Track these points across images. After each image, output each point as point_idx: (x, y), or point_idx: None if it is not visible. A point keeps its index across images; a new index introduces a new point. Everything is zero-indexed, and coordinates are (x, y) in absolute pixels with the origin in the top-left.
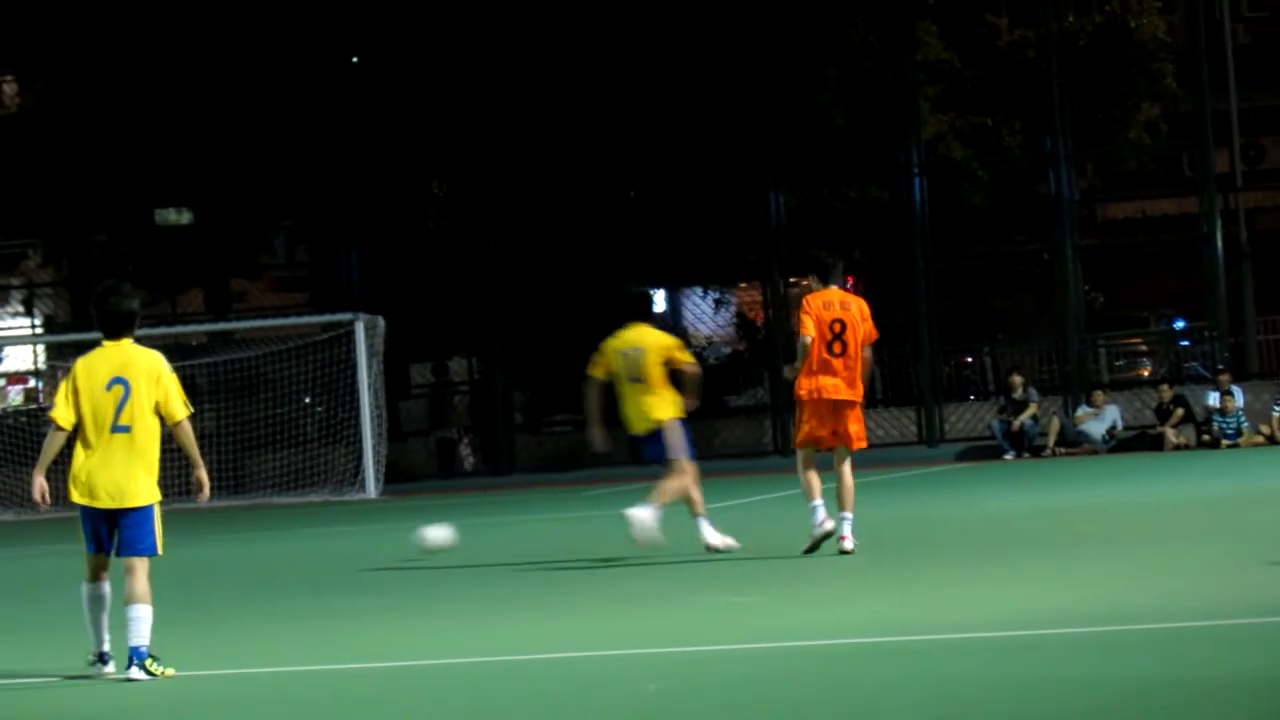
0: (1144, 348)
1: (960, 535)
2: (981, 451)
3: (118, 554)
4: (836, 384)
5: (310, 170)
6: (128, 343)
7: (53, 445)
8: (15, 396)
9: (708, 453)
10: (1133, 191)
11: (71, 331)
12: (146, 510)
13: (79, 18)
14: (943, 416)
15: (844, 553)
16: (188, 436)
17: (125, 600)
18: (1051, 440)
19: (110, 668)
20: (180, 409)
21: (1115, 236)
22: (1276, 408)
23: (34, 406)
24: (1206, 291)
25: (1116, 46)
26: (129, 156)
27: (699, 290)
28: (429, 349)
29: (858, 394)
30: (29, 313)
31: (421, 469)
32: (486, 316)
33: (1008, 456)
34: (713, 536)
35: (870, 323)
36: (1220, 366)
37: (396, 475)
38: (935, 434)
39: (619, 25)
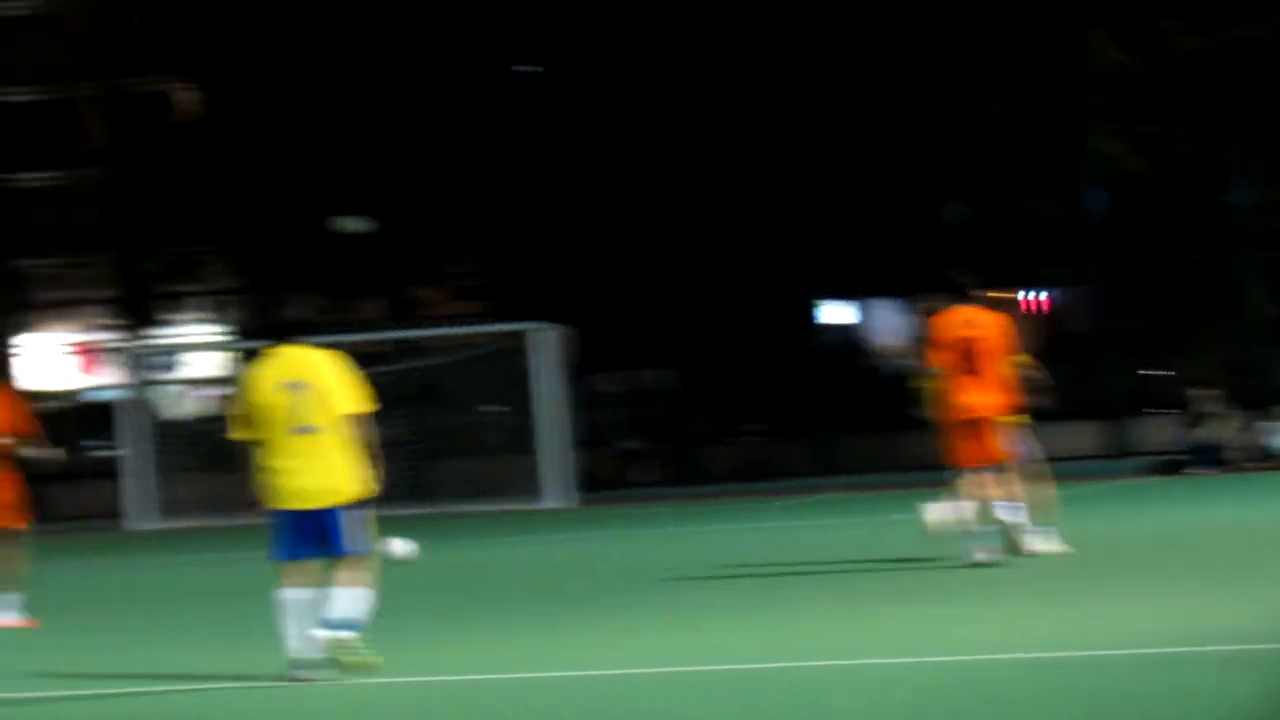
0: None
1: (1147, 549)
2: (1167, 465)
3: (329, 555)
4: (980, 401)
5: (492, 180)
6: (301, 346)
7: (250, 454)
8: (199, 402)
9: (892, 464)
10: None
11: (252, 338)
12: (342, 516)
13: (259, 26)
14: (1128, 429)
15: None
16: (364, 433)
17: (334, 584)
18: (1238, 454)
19: (312, 673)
20: (360, 402)
21: None
22: None
23: (217, 413)
24: None
25: None
26: (311, 165)
27: (881, 300)
28: (616, 358)
29: (998, 408)
30: (213, 319)
31: (609, 478)
32: (676, 327)
33: (1194, 470)
34: (1039, 543)
35: (1008, 337)
36: None
37: (582, 484)
38: (1121, 447)
39: (810, 41)
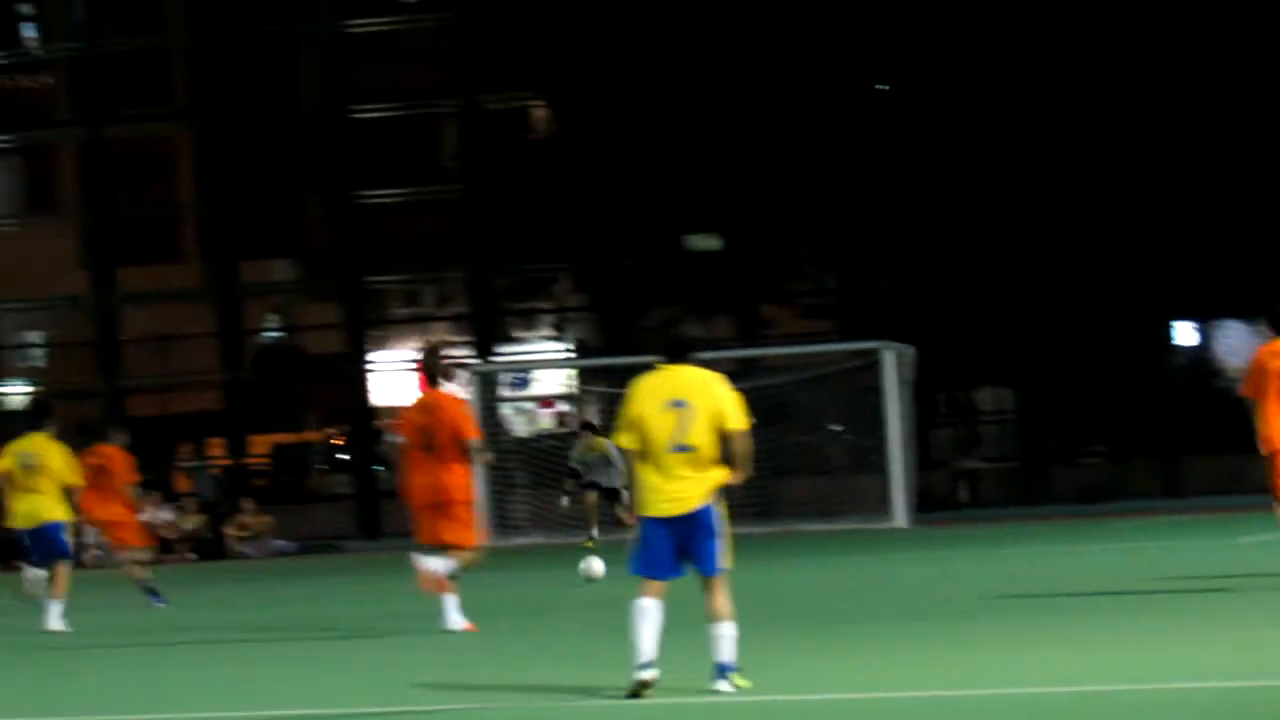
0: None
1: None
2: None
3: (696, 571)
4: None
5: (840, 196)
6: (688, 366)
7: (630, 468)
8: (545, 420)
9: (1241, 486)
10: None
11: (601, 355)
12: (709, 525)
13: (614, 44)
14: None
15: None
16: (738, 447)
17: (708, 618)
18: None
19: (651, 673)
20: (740, 419)
21: None
22: None
23: (563, 430)
24: None
25: None
26: (659, 181)
27: (1232, 320)
28: (958, 377)
29: None
30: (559, 336)
31: (947, 498)
32: (1019, 347)
33: None
34: None
35: None
36: None
37: (921, 504)
38: None
39: (1168, 51)
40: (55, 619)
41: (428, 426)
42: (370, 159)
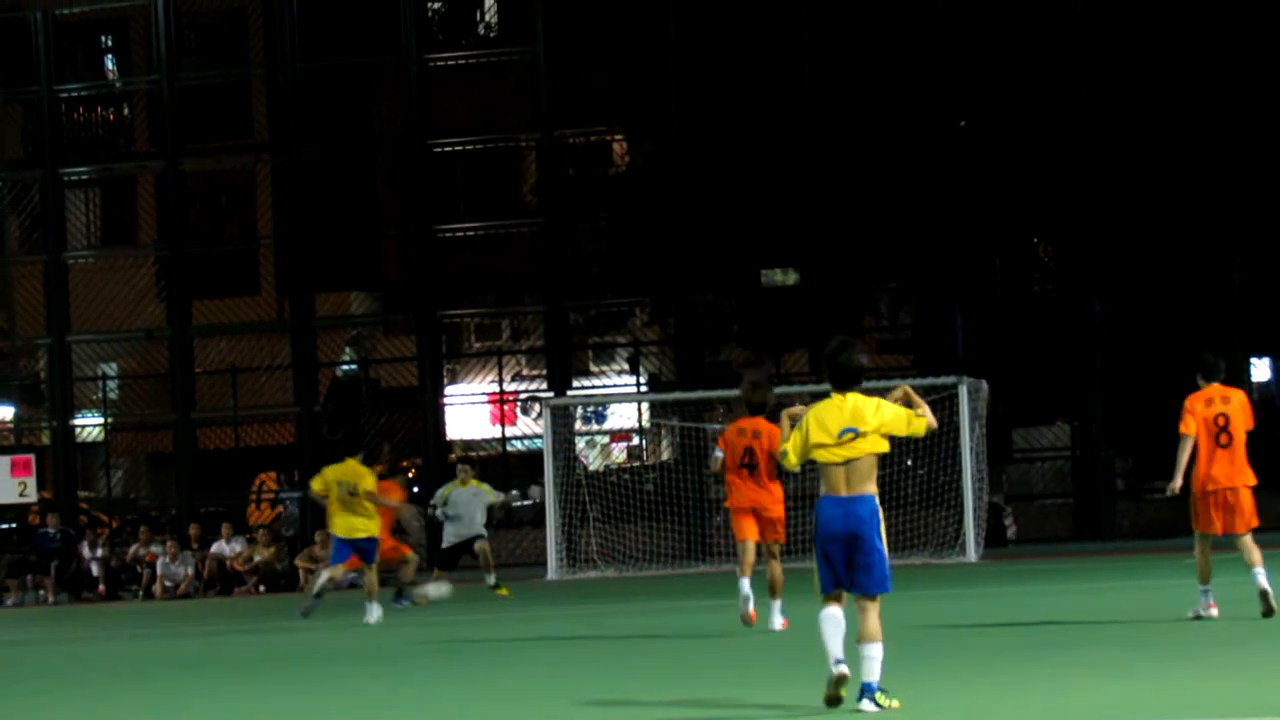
0: None
1: None
2: None
3: (850, 590)
4: (1227, 473)
5: (916, 232)
6: (855, 393)
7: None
8: (619, 454)
9: None
10: None
11: (676, 390)
12: (879, 549)
13: (691, 77)
14: None
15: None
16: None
17: (858, 639)
18: None
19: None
20: (914, 424)
21: None
22: None
23: (637, 464)
24: None
25: None
26: (736, 216)
27: None
28: (1031, 413)
29: (1247, 479)
30: (634, 370)
31: (1019, 532)
32: (1090, 381)
33: None
34: None
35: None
36: None
37: (991, 539)
38: None
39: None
40: (374, 613)
41: (750, 448)
42: (448, 192)
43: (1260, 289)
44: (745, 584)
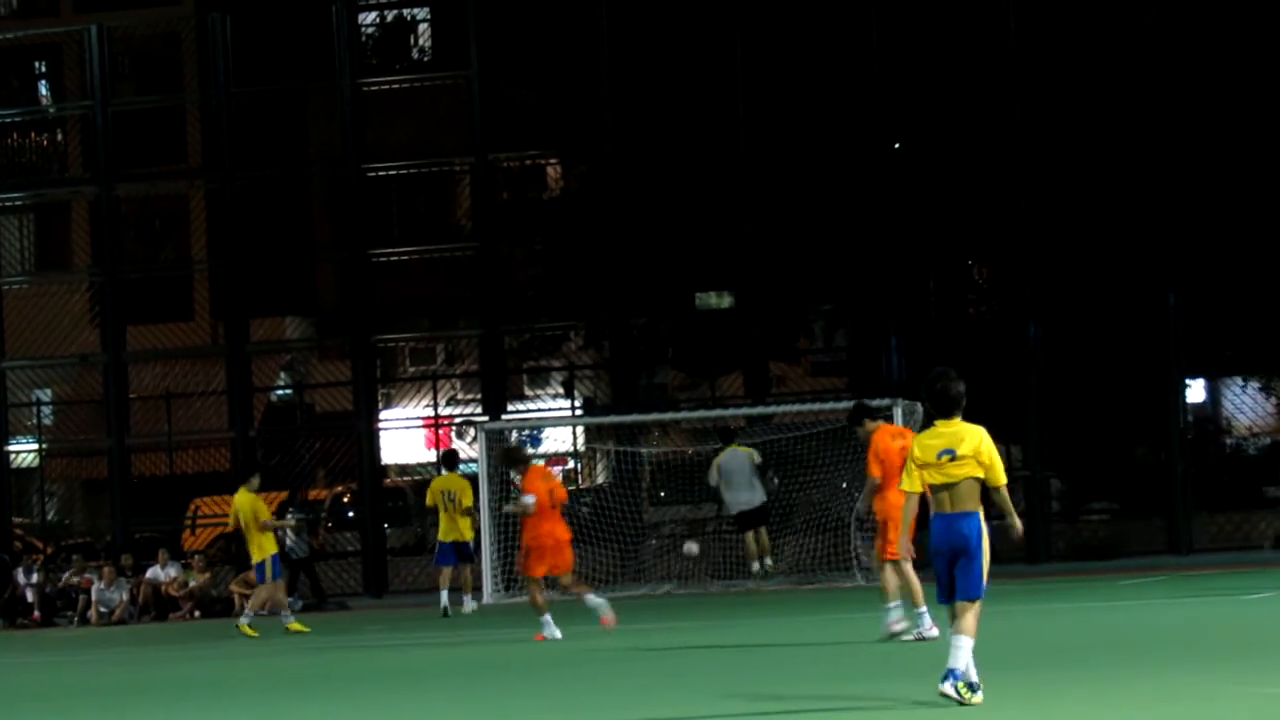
0: None
1: None
2: None
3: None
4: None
5: (851, 254)
6: (958, 420)
7: (908, 509)
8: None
9: (1244, 543)
10: None
11: (611, 413)
12: (976, 560)
13: (624, 101)
14: None
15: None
16: (1004, 499)
17: (954, 630)
18: None
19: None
20: (1001, 476)
21: None
22: None
23: (572, 488)
24: None
25: None
26: (670, 239)
27: (1239, 380)
28: None
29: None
30: (569, 394)
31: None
32: (1025, 403)
33: None
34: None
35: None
36: None
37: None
38: None
39: (1156, 104)
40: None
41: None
42: (383, 217)
43: (1196, 311)
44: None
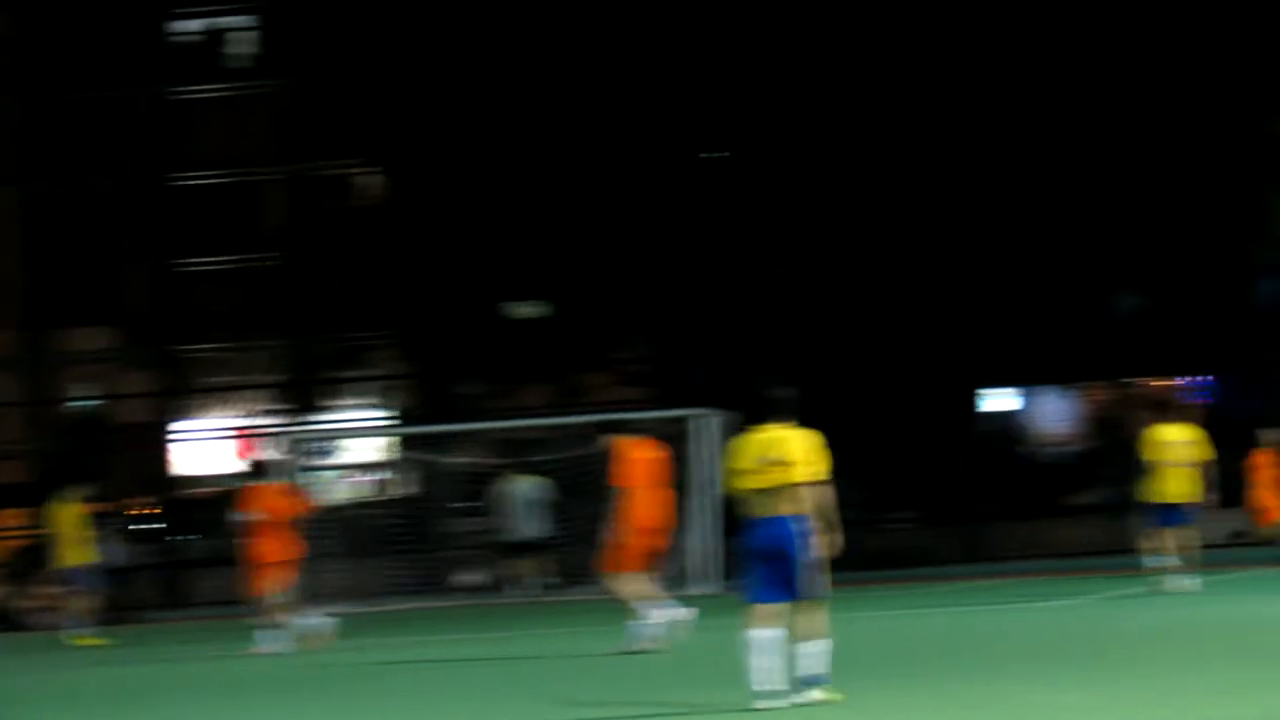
0: None
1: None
2: None
3: (786, 599)
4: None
5: (658, 267)
6: (785, 424)
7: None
8: (365, 488)
9: (1042, 550)
10: None
11: (420, 423)
12: (801, 562)
13: (437, 115)
14: None
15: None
16: (826, 505)
17: (803, 636)
18: None
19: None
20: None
21: None
22: None
23: (380, 498)
24: None
25: None
26: (481, 251)
27: (1045, 388)
28: None
29: None
30: (377, 404)
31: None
32: (831, 413)
33: None
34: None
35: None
36: None
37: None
38: None
39: (967, 123)
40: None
41: None
42: (191, 227)
43: (999, 321)
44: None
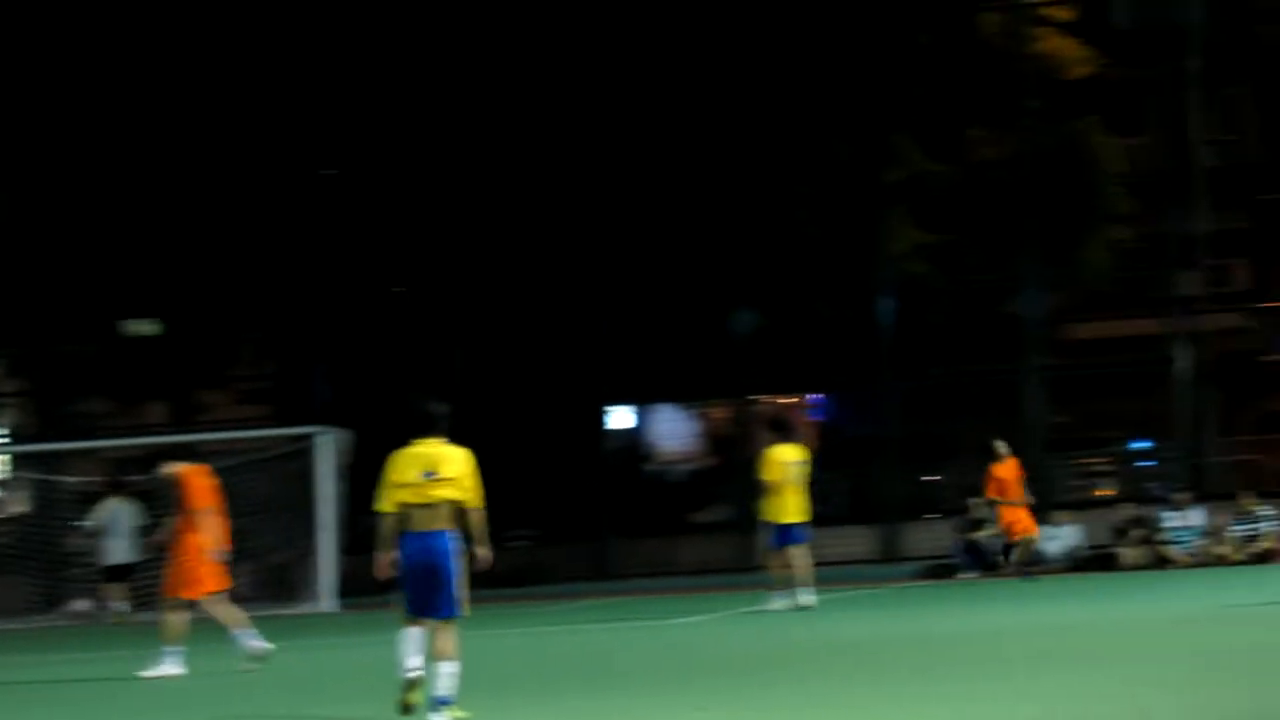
0: (1105, 468)
1: (916, 653)
2: (941, 570)
3: (429, 615)
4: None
5: (277, 283)
6: (440, 441)
7: (384, 529)
8: None
9: (668, 568)
10: (1098, 312)
11: (37, 441)
12: (451, 580)
13: (48, 126)
14: (903, 535)
15: None
16: (478, 523)
17: (436, 656)
18: (1011, 558)
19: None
20: (479, 499)
21: (1080, 357)
22: (1234, 528)
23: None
24: (1170, 412)
25: (1079, 163)
26: (96, 267)
27: (666, 405)
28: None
29: None
30: None
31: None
32: (456, 430)
33: (967, 575)
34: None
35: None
36: (1179, 486)
37: (352, 588)
38: (894, 551)
39: (590, 141)
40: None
41: None
42: None
43: (623, 339)
44: None
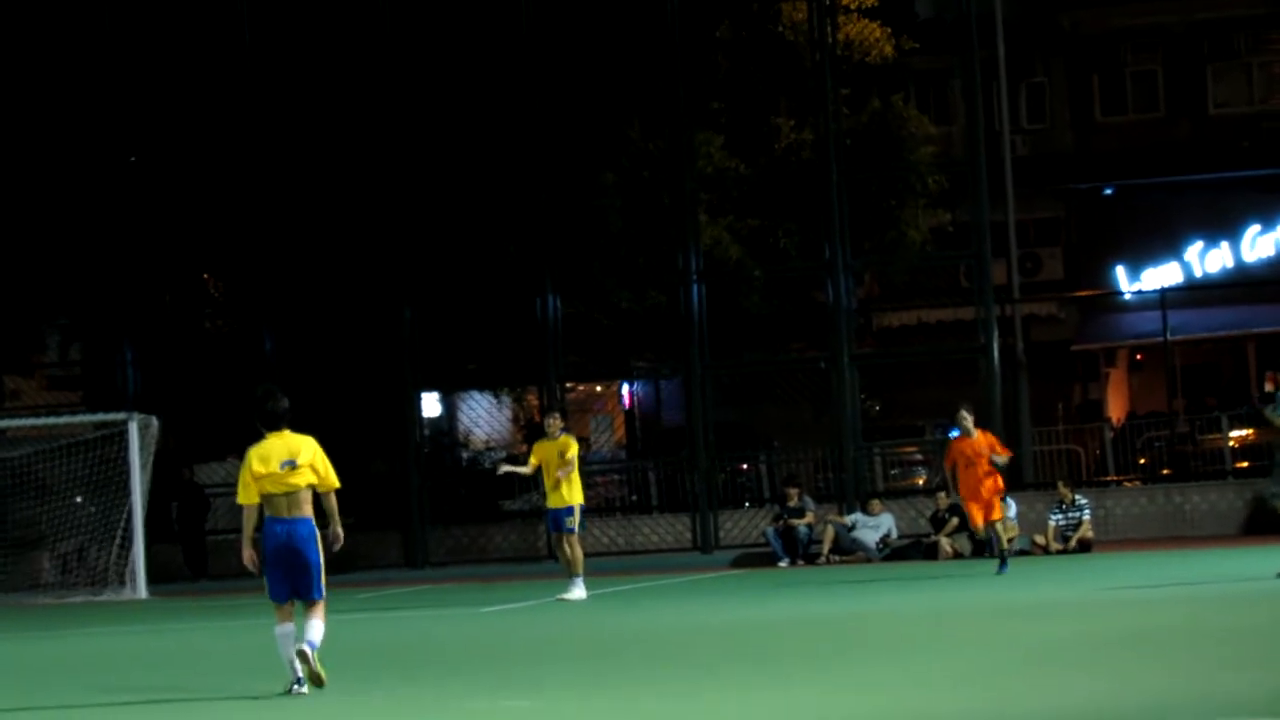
0: (920, 456)
1: (730, 643)
2: (756, 559)
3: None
4: None
5: (85, 268)
6: (287, 432)
7: (247, 520)
8: None
9: (480, 556)
10: (910, 300)
11: None
12: (315, 563)
13: None
14: (717, 523)
15: None
16: (332, 505)
17: (309, 637)
18: (826, 548)
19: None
20: (333, 481)
21: (892, 344)
22: (1052, 518)
23: None
24: (982, 401)
25: (887, 149)
26: None
27: (476, 393)
28: (205, 449)
29: None
30: None
31: (195, 569)
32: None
33: (782, 564)
34: None
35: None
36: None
37: (163, 575)
38: (709, 540)
39: (394, 127)
40: None
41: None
42: None
43: (431, 325)
44: None
